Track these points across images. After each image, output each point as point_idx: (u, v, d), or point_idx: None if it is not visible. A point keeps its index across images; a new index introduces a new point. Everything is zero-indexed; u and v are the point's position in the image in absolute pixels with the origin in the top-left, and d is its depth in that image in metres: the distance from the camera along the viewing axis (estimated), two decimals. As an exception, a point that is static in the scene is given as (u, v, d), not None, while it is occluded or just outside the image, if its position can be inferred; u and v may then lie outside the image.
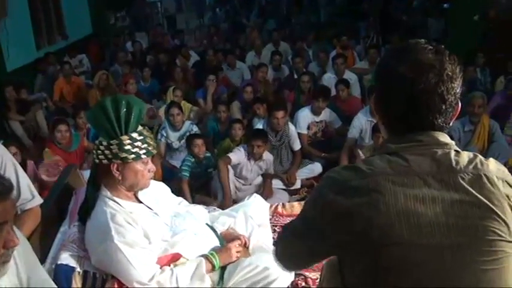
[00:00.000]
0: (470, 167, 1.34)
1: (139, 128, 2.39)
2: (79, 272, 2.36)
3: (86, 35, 12.72)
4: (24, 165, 4.38)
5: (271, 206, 3.61)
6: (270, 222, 3.26)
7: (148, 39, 13.33)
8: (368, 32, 11.71)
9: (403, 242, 1.27)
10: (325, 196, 1.39)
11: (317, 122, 6.01)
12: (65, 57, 9.94)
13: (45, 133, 7.02)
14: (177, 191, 3.19)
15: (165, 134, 5.84)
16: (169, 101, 6.53)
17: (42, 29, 10.71)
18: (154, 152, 2.47)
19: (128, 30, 15.14)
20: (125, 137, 2.31)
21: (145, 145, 2.36)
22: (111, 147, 2.30)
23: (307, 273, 2.92)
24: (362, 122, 5.55)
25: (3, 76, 8.35)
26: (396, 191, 1.30)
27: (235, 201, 4.41)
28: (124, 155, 2.30)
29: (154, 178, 2.57)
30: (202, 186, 5.16)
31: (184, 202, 3.03)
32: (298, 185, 5.50)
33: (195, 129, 5.91)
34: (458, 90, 1.37)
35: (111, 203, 2.36)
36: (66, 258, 2.36)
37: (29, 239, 2.08)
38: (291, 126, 5.67)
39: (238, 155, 4.92)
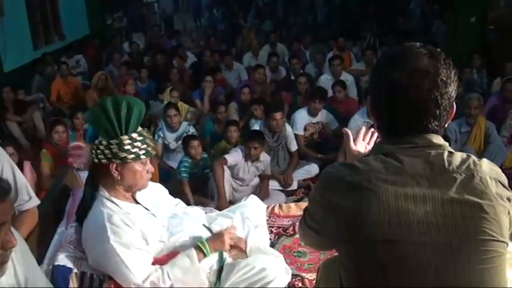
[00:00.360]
0: (463, 167, 1.36)
1: (139, 128, 2.40)
2: (76, 273, 2.36)
3: (83, 36, 12.73)
4: (21, 166, 4.38)
5: (268, 207, 3.62)
6: (267, 223, 3.27)
7: (145, 40, 13.33)
8: (365, 34, 11.73)
9: (395, 239, 1.30)
10: (322, 192, 1.44)
11: (314, 123, 6.02)
12: (62, 57, 9.93)
13: (42, 134, 7.02)
14: (175, 192, 3.18)
15: (162, 135, 5.84)
16: (167, 101, 6.54)
17: (39, 29, 10.71)
18: (154, 152, 2.48)
19: (125, 31, 15.15)
20: (124, 137, 2.32)
21: (144, 145, 2.37)
22: (111, 146, 2.31)
23: (304, 274, 2.94)
24: (359, 123, 5.54)
25: (0, 77, 8.34)
26: (388, 189, 1.32)
27: (232, 202, 4.41)
28: (123, 154, 2.31)
29: (152, 179, 2.57)
30: (199, 187, 5.16)
31: (182, 203, 3.04)
32: (294, 186, 5.51)
33: (192, 130, 5.92)
34: (453, 94, 1.39)
35: (108, 203, 2.37)
36: (63, 259, 2.35)
37: (26, 240, 2.09)
38: (288, 128, 5.68)
39: (235, 156, 4.92)
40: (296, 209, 3.69)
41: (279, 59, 8.76)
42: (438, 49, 1.41)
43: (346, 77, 7.39)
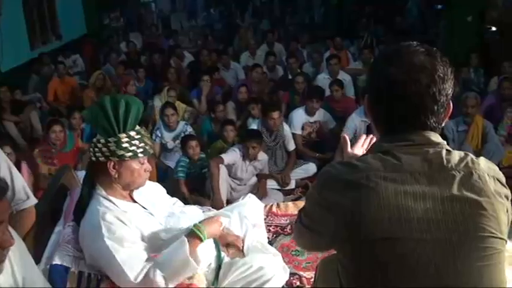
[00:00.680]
0: (462, 165, 1.36)
1: (137, 127, 2.41)
2: (74, 272, 2.35)
3: (80, 35, 12.69)
4: (18, 166, 4.37)
5: (266, 206, 3.63)
6: (265, 222, 3.27)
7: (142, 40, 13.31)
8: (362, 33, 11.73)
9: (395, 237, 1.30)
10: (321, 190, 1.43)
11: (311, 123, 6.02)
12: (59, 57, 9.91)
13: (39, 134, 7.00)
14: (172, 192, 3.18)
15: (159, 135, 5.84)
16: (164, 101, 6.53)
17: (36, 29, 10.67)
18: (151, 151, 2.48)
19: (122, 30, 15.12)
20: (122, 135, 2.32)
21: (142, 144, 2.37)
22: (109, 144, 2.31)
23: (301, 273, 2.94)
24: (356, 123, 5.56)
25: (-3, 77, 8.33)
26: (387, 186, 1.32)
27: (230, 202, 4.42)
28: (121, 152, 2.31)
29: (149, 178, 2.57)
30: (197, 186, 5.16)
31: (179, 202, 3.03)
32: (292, 185, 5.52)
33: (190, 129, 5.92)
34: (449, 92, 1.39)
35: (105, 202, 2.36)
36: (60, 259, 2.35)
37: (23, 239, 2.08)
38: (286, 127, 5.69)
39: (233, 156, 4.92)
40: (294, 208, 3.69)
41: (276, 59, 8.77)
42: (435, 48, 1.42)
43: (343, 76, 7.39)
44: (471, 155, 1.41)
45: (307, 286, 2.82)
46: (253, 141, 4.91)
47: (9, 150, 4.55)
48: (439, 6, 11.83)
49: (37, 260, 2.31)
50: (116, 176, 2.36)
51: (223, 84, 8.30)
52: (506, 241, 1.36)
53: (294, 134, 5.79)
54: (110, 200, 2.37)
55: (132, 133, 2.35)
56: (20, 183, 2.40)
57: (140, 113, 2.42)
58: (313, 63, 8.67)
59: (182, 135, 5.65)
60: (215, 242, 2.70)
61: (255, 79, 7.58)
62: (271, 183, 5.41)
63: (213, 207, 3.67)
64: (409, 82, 1.35)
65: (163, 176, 5.19)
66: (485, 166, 1.39)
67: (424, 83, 1.35)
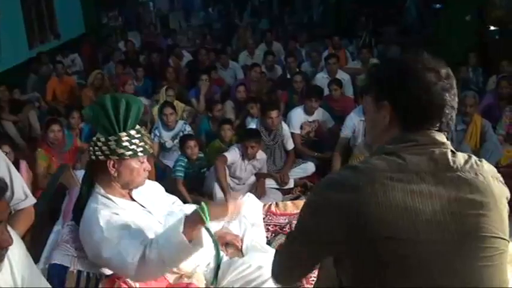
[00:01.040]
0: (467, 166, 1.38)
1: (137, 126, 2.40)
2: (72, 272, 2.35)
3: (78, 35, 12.69)
4: (16, 165, 4.37)
5: (264, 205, 3.63)
6: (264, 222, 3.28)
7: (141, 39, 13.30)
8: (360, 32, 11.74)
9: (400, 237, 1.29)
10: (323, 194, 1.41)
11: (310, 122, 6.02)
12: (57, 56, 9.90)
13: (38, 133, 6.99)
14: (170, 191, 3.18)
15: (158, 134, 5.84)
16: (163, 100, 6.53)
17: (35, 28, 10.66)
18: (151, 151, 2.49)
19: (121, 29, 15.11)
20: (123, 134, 2.32)
21: (142, 143, 2.37)
22: (109, 143, 2.31)
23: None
24: (355, 122, 5.56)
25: (-5, 76, 8.32)
26: (394, 186, 1.31)
27: (229, 201, 4.40)
28: (121, 151, 2.31)
29: (148, 177, 2.57)
30: (196, 186, 5.16)
31: (178, 201, 3.03)
32: (291, 184, 5.52)
33: (188, 128, 5.92)
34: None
35: (103, 200, 2.35)
36: (59, 258, 2.35)
37: (22, 238, 2.08)
38: (285, 126, 5.69)
39: (232, 155, 4.93)
40: (292, 207, 3.69)
41: (274, 58, 8.76)
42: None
43: (342, 75, 7.39)
44: (474, 157, 1.43)
45: (307, 286, 2.81)
46: (252, 140, 4.91)
47: (7, 150, 4.54)
48: (438, 6, 11.83)
49: (36, 260, 2.31)
50: (116, 174, 2.36)
51: (222, 83, 8.30)
52: (508, 241, 1.38)
53: (292, 133, 5.79)
54: (109, 198, 2.37)
55: (133, 132, 2.35)
56: (19, 182, 2.40)
57: (141, 112, 2.42)
58: (311, 62, 8.67)
59: (181, 134, 5.66)
60: (214, 241, 2.70)
61: (253, 78, 7.57)
62: (270, 183, 5.41)
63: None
64: (448, 88, 1.39)
65: (161, 175, 5.19)
66: (488, 168, 1.42)
67: (454, 88, 1.41)
